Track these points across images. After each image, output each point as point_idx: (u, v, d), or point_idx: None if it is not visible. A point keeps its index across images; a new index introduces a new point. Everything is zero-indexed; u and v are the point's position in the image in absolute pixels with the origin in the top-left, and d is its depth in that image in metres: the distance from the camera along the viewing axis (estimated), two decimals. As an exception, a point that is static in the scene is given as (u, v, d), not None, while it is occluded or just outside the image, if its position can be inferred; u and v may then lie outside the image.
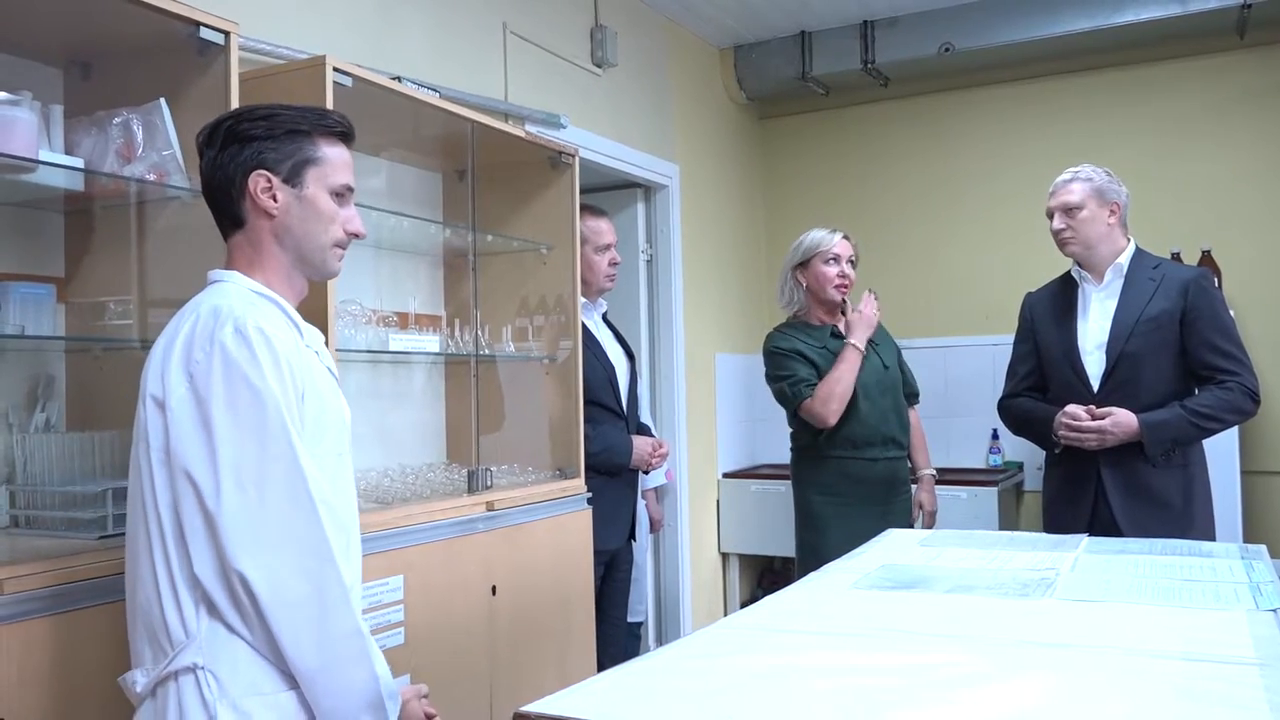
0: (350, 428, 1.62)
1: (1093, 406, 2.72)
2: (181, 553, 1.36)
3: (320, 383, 1.51)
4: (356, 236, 1.60)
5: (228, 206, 1.53)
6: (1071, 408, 2.73)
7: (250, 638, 1.36)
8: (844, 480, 3.15)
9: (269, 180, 1.50)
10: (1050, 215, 2.85)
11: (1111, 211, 2.80)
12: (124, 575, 1.47)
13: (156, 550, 1.38)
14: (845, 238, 3.25)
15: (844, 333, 3.23)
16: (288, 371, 1.41)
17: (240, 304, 1.43)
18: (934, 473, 3.41)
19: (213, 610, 1.35)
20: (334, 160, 1.56)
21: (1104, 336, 2.78)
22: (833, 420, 3.09)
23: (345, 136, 1.59)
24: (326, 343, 1.72)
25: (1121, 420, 2.67)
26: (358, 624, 1.40)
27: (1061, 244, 2.85)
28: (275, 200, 1.51)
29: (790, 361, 3.17)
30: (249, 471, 1.35)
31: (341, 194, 1.57)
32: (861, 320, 3.18)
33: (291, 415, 1.40)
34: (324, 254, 1.56)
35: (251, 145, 1.50)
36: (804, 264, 3.25)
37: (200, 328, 1.40)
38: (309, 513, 1.38)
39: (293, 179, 1.52)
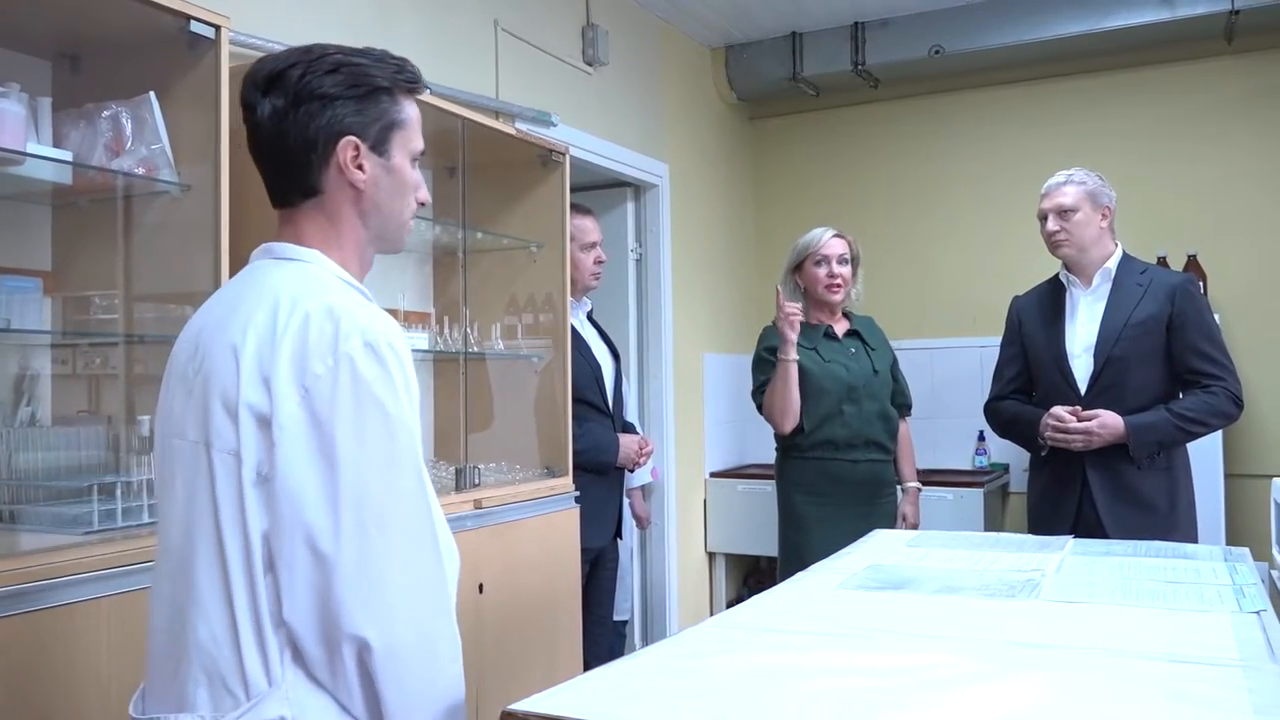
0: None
1: (1078, 408, 2.74)
2: (274, 591, 1.17)
3: None
4: (423, 205, 1.42)
5: (301, 173, 1.31)
6: (1057, 409, 2.75)
7: (334, 689, 1.18)
8: (826, 480, 3.16)
9: (357, 148, 1.30)
10: (1043, 217, 2.86)
11: (1104, 215, 2.82)
12: (154, 597, 1.28)
13: (237, 582, 1.18)
14: (838, 236, 3.25)
15: (837, 334, 3.24)
16: (414, 394, 1.25)
17: (353, 304, 1.24)
18: (919, 486, 3.40)
19: (297, 657, 1.18)
20: (414, 122, 1.36)
21: (1091, 340, 2.80)
22: (786, 428, 3.17)
23: (423, 91, 1.41)
24: None
25: (1108, 422, 2.69)
26: (459, 673, 1.28)
27: (1054, 246, 2.86)
28: (363, 171, 1.31)
29: (766, 365, 3.20)
30: (373, 510, 1.17)
31: (416, 159, 1.38)
32: (782, 320, 3.07)
33: (419, 445, 1.24)
34: (402, 230, 1.39)
35: (334, 105, 1.28)
36: (799, 265, 3.27)
37: (315, 332, 1.19)
38: (433, 559, 1.22)
39: (380, 146, 1.32)
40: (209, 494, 1.20)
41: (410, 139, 1.35)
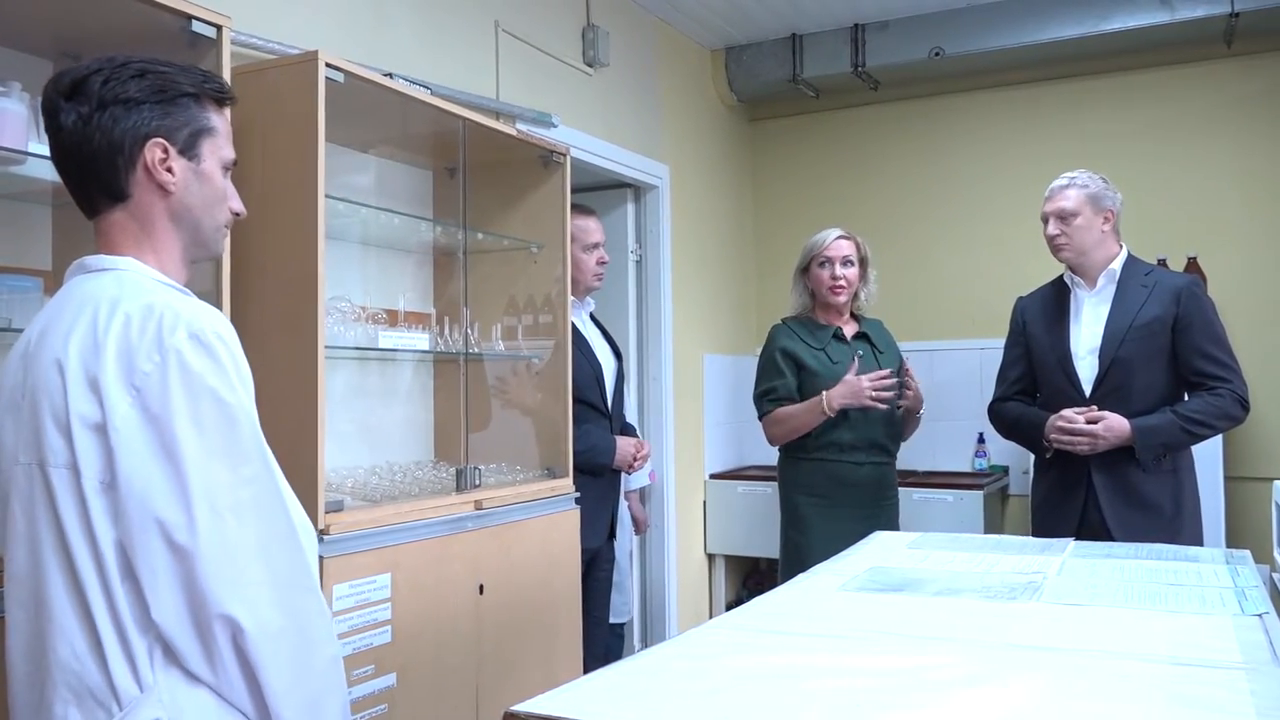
0: None
1: (1093, 408, 2.72)
2: (133, 596, 1.17)
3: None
4: (238, 216, 1.42)
5: (107, 178, 1.29)
6: (1068, 411, 2.74)
7: (215, 683, 1.19)
8: (829, 482, 3.15)
9: (165, 150, 1.30)
10: (1045, 219, 2.86)
11: (1106, 219, 2.82)
12: (8, 628, 1.26)
13: (94, 595, 1.18)
14: (845, 238, 3.24)
15: (845, 336, 3.23)
16: (249, 379, 1.26)
17: (173, 300, 1.24)
18: (918, 394, 3.25)
19: (169, 657, 1.18)
20: (224, 131, 1.37)
21: (1096, 342, 2.79)
22: (774, 445, 3.27)
23: (231, 103, 1.41)
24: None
25: (1113, 424, 2.69)
26: (337, 651, 1.29)
27: (1055, 250, 2.86)
28: (172, 173, 1.30)
29: (773, 370, 3.21)
30: (223, 498, 1.18)
31: (229, 169, 1.39)
32: (850, 391, 3.04)
33: (259, 430, 1.25)
34: (216, 235, 1.38)
35: (140, 109, 1.28)
36: (806, 267, 3.26)
37: (137, 331, 1.19)
38: (290, 539, 1.24)
39: (189, 150, 1.32)
40: (50, 513, 1.20)
41: (220, 147, 1.36)
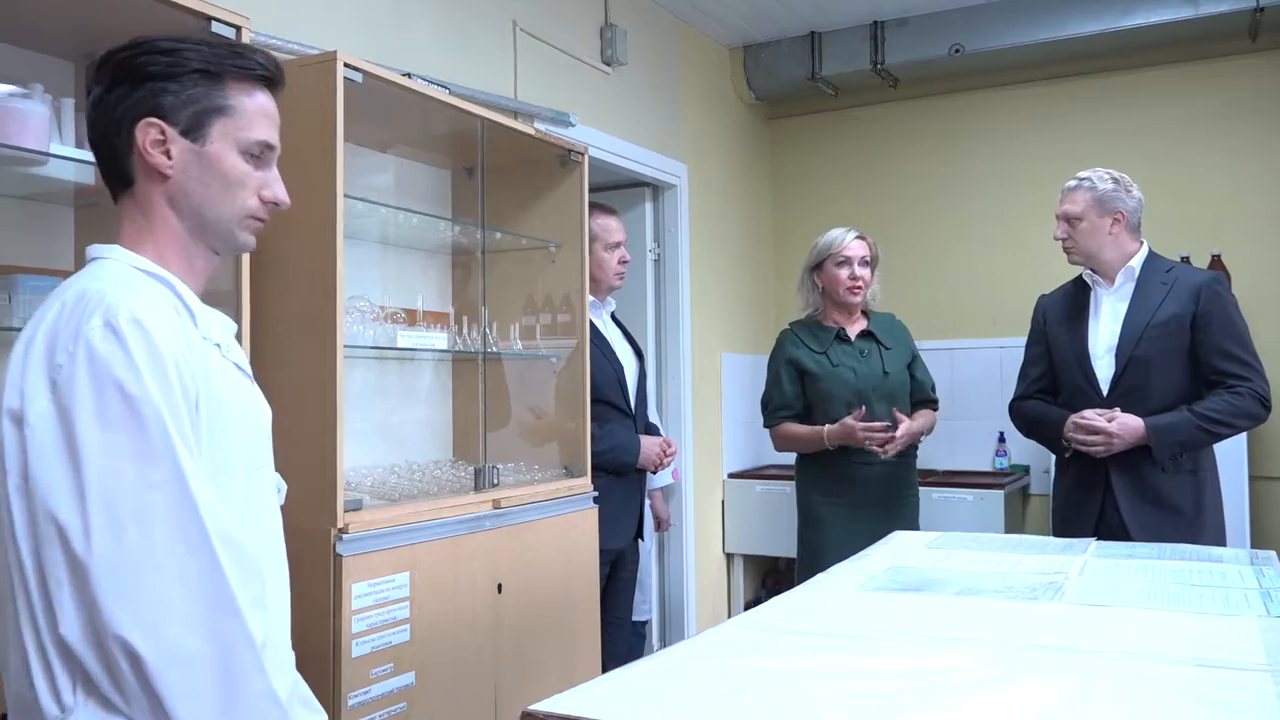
0: (270, 433, 1.34)
1: (1116, 410, 2.70)
2: (47, 610, 1.06)
3: (223, 383, 1.22)
4: (277, 205, 1.31)
5: (113, 161, 1.24)
6: (1088, 412, 2.72)
7: (130, 713, 1.06)
8: (844, 482, 3.15)
9: (162, 131, 1.21)
10: (1057, 219, 2.87)
11: (1115, 220, 2.78)
12: None
13: (21, 604, 1.08)
14: (860, 238, 3.24)
15: (849, 336, 3.22)
16: (175, 372, 1.12)
17: (115, 287, 1.14)
18: (913, 428, 3.18)
19: (88, 682, 1.06)
20: (249, 111, 1.26)
21: (1114, 340, 2.77)
22: (779, 453, 3.40)
23: (269, 82, 1.29)
24: (237, 334, 1.41)
25: (1128, 423, 2.66)
26: (271, 687, 1.11)
27: (1065, 252, 2.87)
28: (169, 156, 1.22)
29: (781, 378, 3.25)
30: (126, 504, 1.06)
31: (259, 154, 1.28)
32: (845, 435, 3.06)
33: (180, 429, 1.11)
34: (230, 225, 1.27)
35: (146, 85, 1.21)
36: (819, 265, 3.25)
37: (64, 321, 1.11)
38: (203, 552, 1.09)
39: (193, 131, 1.22)
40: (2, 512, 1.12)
41: (239, 128, 1.25)
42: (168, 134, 1.21)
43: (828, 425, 3.12)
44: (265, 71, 1.28)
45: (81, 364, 1.08)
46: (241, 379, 1.28)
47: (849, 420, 3.05)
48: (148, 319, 1.12)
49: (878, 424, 3.06)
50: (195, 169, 1.23)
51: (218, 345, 1.24)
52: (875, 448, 3.05)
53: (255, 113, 1.27)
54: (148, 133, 1.21)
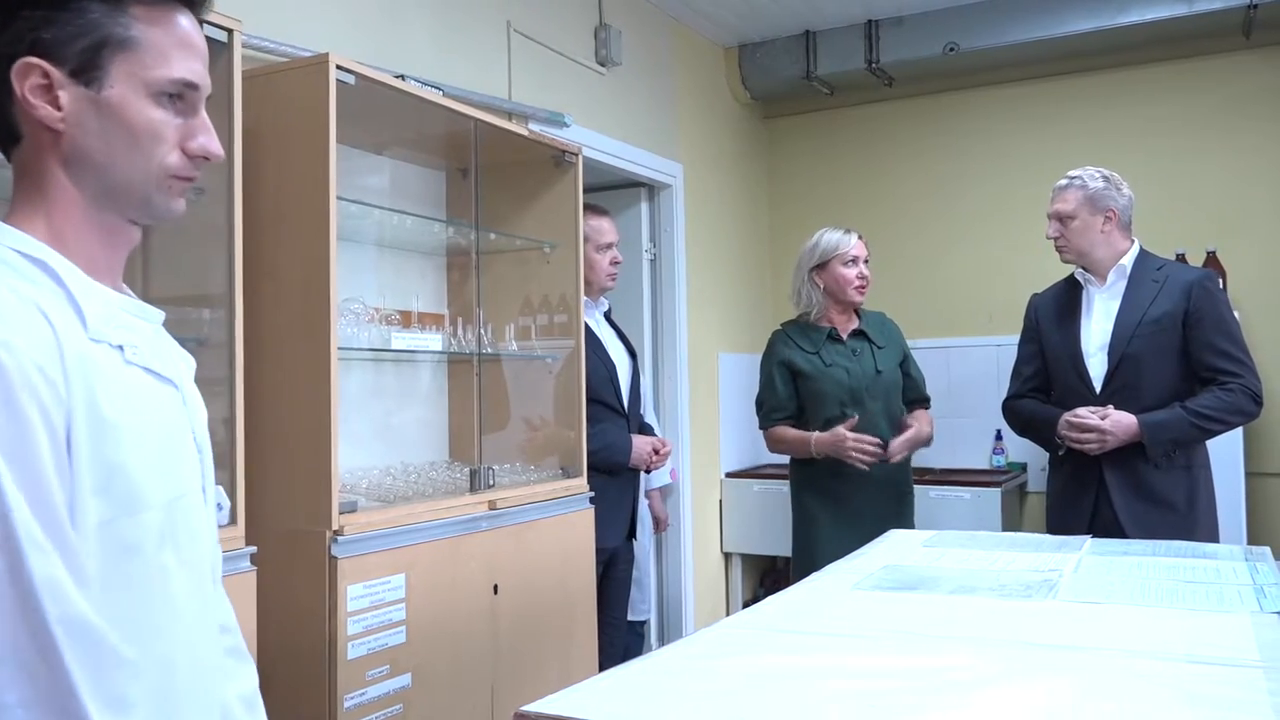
0: (204, 444, 1.11)
1: (1109, 407, 2.71)
2: None
3: (118, 400, 0.94)
4: (207, 159, 1.04)
5: None
6: (1080, 410, 2.73)
7: None
8: (837, 481, 3.14)
9: (45, 74, 0.95)
10: (1049, 219, 2.88)
11: (1106, 219, 2.79)
12: None
13: None
14: (860, 238, 3.25)
15: (841, 335, 3.22)
16: (32, 398, 0.86)
17: None
18: (919, 436, 3.19)
19: None
20: (161, 43, 0.99)
21: (1106, 338, 2.78)
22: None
23: (188, 3, 1.03)
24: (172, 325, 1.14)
25: (1121, 421, 2.67)
26: None
27: (1057, 250, 2.88)
28: (58, 107, 0.96)
29: (774, 380, 3.25)
30: None
31: (179, 94, 1.01)
32: (834, 445, 3.05)
33: (24, 477, 0.85)
34: (148, 190, 1.01)
35: (20, 16, 0.95)
36: (821, 266, 3.23)
37: None
38: (43, 642, 0.84)
39: (86, 72, 0.96)
40: None
41: (149, 65, 0.98)
42: (53, 77, 0.95)
43: (816, 433, 3.10)
44: None
45: None
46: (154, 387, 1.02)
47: (841, 429, 3.03)
48: None
49: (868, 438, 3.03)
50: (93, 121, 0.97)
51: (119, 348, 0.98)
52: (860, 463, 3.02)
53: (170, 44, 1.00)
54: (27, 76, 0.95)
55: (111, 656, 0.88)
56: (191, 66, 1.02)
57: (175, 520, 1.01)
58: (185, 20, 1.02)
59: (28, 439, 0.85)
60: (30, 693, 0.83)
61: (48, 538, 0.85)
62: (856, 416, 3.05)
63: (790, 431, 3.21)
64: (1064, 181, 2.86)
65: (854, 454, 3.02)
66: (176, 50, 1.00)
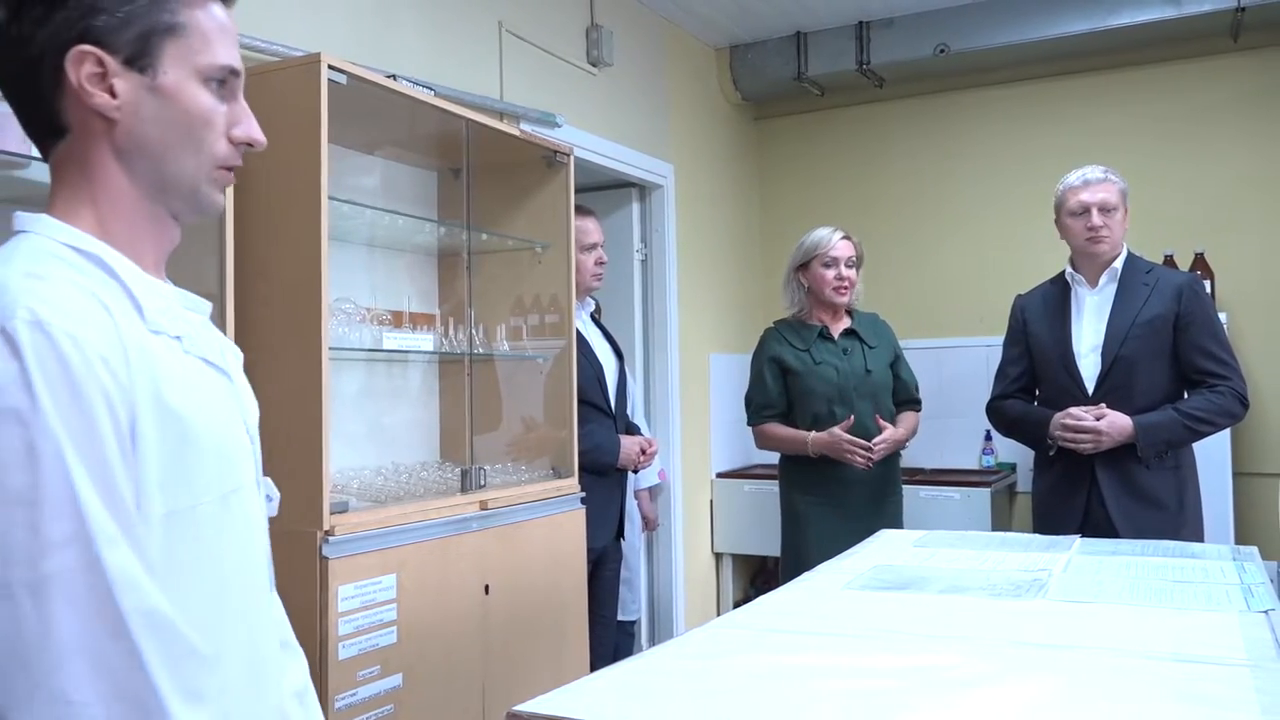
0: (255, 437, 1.11)
1: (1102, 406, 2.72)
2: None
3: (181, 390, 0.94)
4: (251, 146, 1.04)
5: (33, 106, 0.96)
6: (1075, 410, 2.74)
7: None
8: (827, 482, 3.15)
9: (100, 62, 0.93)
10: (1082, 210, 2.80)
11: (1126, 214, 2.83)
12: None
13: None
14: (846, 238, 3.25)
15: (832, 334, 3.23)
16: (98, 393, 0.85)
17: (18, 275, 0.88)
18: (896, 436, 3.18)
19: None
20: (205, 28, 0.98)
21: (1099, 339, 2.79)
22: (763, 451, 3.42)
23: None
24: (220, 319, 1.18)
25: (1116, 422, 2.69)
26: None
27: (1095, 242, 2.80)
28: (113, 95, 0.94)
29: (764, 377, 3.26)
30: (16, 570, 0.80)
31: (223, 80, 1.00)
32: (830, 444, 3.07)
33: (97, 471, 0.84)
34: (198, 180, 1.00)
35: (64, 7, 0.92)
36: (805, 265, 3.25)
37: None
38: (118, 637, 0.82)
39: (140, 59, 0.95)
40: None
41: (197, 50, 0.98)
42: (108, 65, 0.93)
43: (813, 432, 3.12)
44: None
45: None
46: (212, 377, 1.02)
47: (836, 430, 3.05)
48: (56, 321, 0.85)
49: (860, 441, 3.05)
50: (149, 108, 0.96)
51: (177, 338, 0.98)
52: (858, 462, 3.05)
53: (213, 30, 0.99)
54: (82, 65, 0.93)
55: (186, 649, 0.87)
56: (232, 52, 1.01)
57: (233, 512, 1.00)
58: (219, 6, 1.02)
59: (96, 432, 0.85)
60: (108, 688, 0.82)
61: (120, 530, 0.85)
62: (852, 417, 3.06)
63: (783, 429, 3.22)
64: (1099, 173, 2.82)
65: (849, 454, 3.03)
66: (219, 36, 1.00)
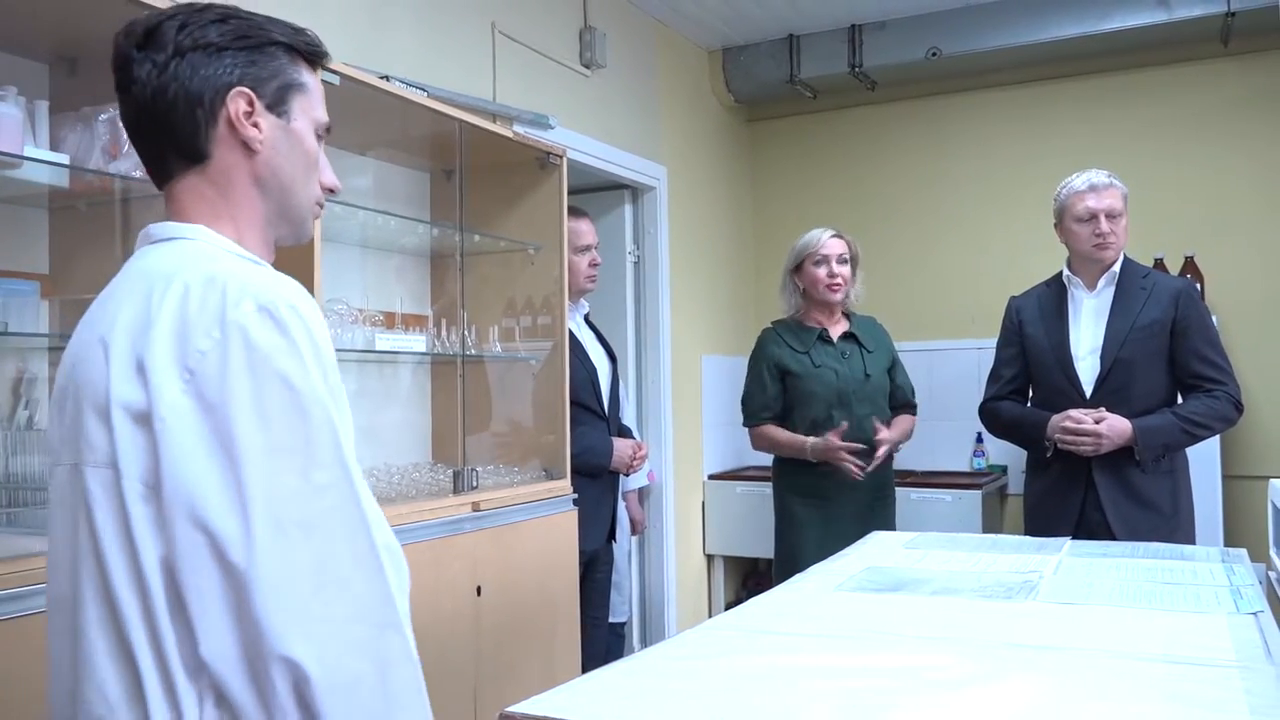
0: None
1: (1102, 409, 2.72)
2: (180, 628, 0.95)
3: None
4: (332, 192, 1.24)
5: (185, 135, 1.11)
6: (1074, 412, 2.74)
7: None
8: (822, 484, 3.16)
9: (251, 103, 1.12)
10: (1089, 216, 2.79)
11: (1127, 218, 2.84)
12: (51, 663, 1.07)
13: (133, 627, 0.96)
14: (837, 236, 3.25)
15: (831, 337, 3.24)
16: (331, 365, 1.04)
17: (242, 269, 1.04)
18: (891, 440, 3.20)
19: (221, 702, 0.95)
20: (315, 90, 1.20)
21: (1097, 342, 2.80)
22: (757, 453, 3.44)
23: (323, 61, 1.23)
24: None
25: (1116, 425, 2.69)
26: (428, 710, 1.05)
27: (1102, 248, 2.79)
28: (259, 129, 1.13)
29: (757, 381, 3.28)
30: (291, 508, 0.95)
31: (321, 135, 1.21)
32: (826, 451, 3.09)
33: (343, 428, 1.02)
34: (306, 211, 1.19)
35: (223, 56, 1.11)
36: (798, 267, 3.26)
37: (196, 303, 0.99)
38: (370, 562, 0.99)
39: (278, 106, 1.14)
40: (88, 523, 0.99)
41: (313, 106, 1.18)
42: (256, 106, 1.12)
43: (811, 438, 3.13)
44: (324, 51, 1.22)
45: (237, 352, 0.96)
46: None
47: (831, 438, 3.06)
48: (303, 306, 1.03)
49: (859, 447, 3.07)
50: (284, 145, 1.15)
51: None
52: (852, 471, 3.05)
53: (318, 93, 1.20)
54: (238, 102, 1.11)
55: (405, 575, 1.06)
56: (326, 113, 1.22)
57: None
58: (319, 77, 1.23)
59: (337, 397, 1.03)
60: (366, 611, 0.98)
61: (361, 475, 1.03)
62: (846, 424, 3.07)
63: (781, 432, 3.22)
64: (1104, 178, 2.81)
65: (846, 461, 3.05)
66: (320, 98, 1.21)
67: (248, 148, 1.12)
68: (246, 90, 1.11)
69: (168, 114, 1.10)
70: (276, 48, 1.15)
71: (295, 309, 1.01)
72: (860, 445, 3.07)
